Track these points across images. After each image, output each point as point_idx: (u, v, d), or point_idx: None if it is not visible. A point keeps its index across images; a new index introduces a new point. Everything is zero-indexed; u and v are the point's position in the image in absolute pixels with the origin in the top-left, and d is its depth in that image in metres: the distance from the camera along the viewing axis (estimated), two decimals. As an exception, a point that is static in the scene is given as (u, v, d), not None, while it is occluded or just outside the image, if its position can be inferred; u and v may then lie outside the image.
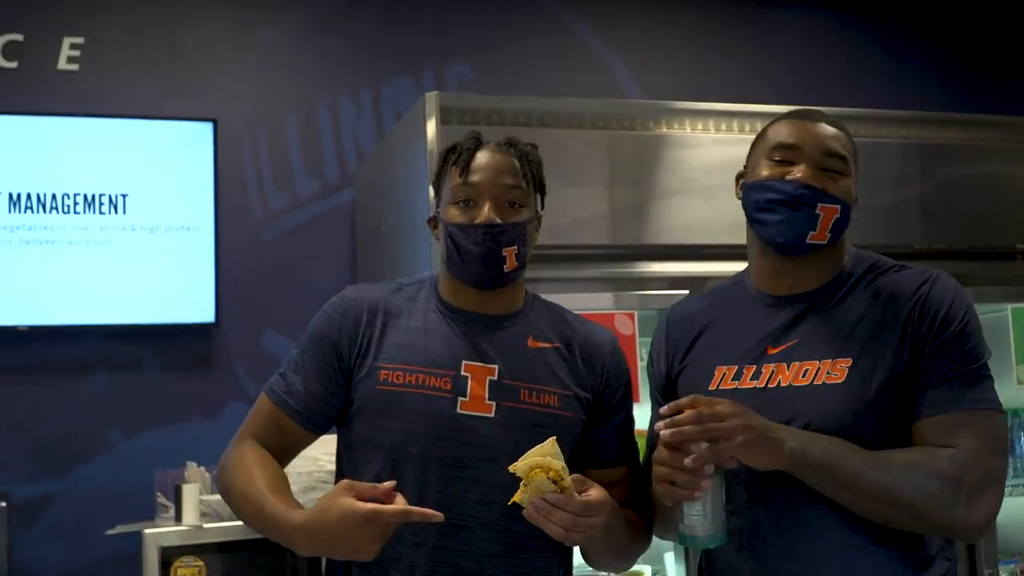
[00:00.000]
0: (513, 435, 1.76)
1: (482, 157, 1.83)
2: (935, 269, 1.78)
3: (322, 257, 3.85)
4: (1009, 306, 3.42)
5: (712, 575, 1.84)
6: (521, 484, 1.55)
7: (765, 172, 1.78)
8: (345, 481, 1.64)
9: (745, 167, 1.86)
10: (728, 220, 3.11)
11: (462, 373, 1.79)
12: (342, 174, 3.91)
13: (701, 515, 1.60)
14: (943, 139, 3.56)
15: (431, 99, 2.92)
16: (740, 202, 1.84)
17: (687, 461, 1.55)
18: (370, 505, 1.58)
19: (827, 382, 1.68)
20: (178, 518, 3.04)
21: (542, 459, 1.53)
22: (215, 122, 3.63)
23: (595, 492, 1.62)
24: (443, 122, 2.89)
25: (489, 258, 1.80)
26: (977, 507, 1.60)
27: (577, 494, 1.58)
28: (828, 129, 1.78)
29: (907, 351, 1.67)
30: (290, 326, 3.74)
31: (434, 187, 1.92)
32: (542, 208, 1.93)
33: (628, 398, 1.93)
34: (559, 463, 1.53)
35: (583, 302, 2.86)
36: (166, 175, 3.58)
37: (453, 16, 4.12)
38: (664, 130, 3.17)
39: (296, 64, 3.92)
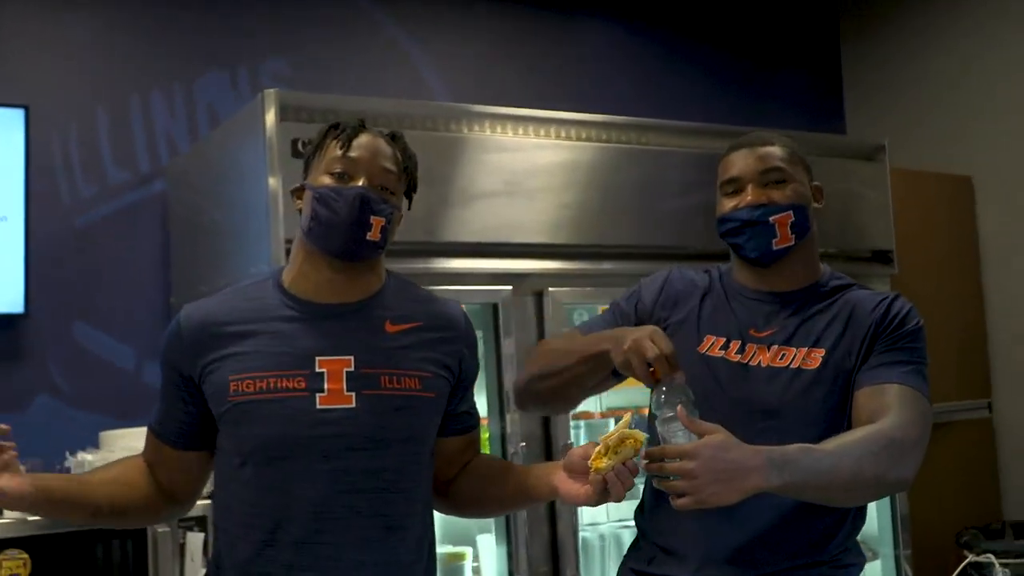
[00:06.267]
0: (376, 421, 1.79)
1: (365, 138, 1.86)
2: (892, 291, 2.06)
3: (134, 247, 3.82)
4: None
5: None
6: (602, 452, 1.71)
7: (723, 207, 2.04)
8: None
9: None
10: (546, 220, 3.36)
11: (317, 369, 1.80)
12: (153, 165, 3.88)
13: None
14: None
15: (270, 96, 2.97)
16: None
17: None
18: None
19: (803, 367, 1.94)
20: (-5, 511, 2.98)
21: (630, 431, 1.71)
22: (27, 108, 3.53)
23: None
24: (281, 119, 2.95)
25: (355, 222, 1.80)
26: (907, 463, 1.83)
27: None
28: (760, 149, 2.03)
29: (866, 346, 1.94)
30: (102, 317, 3.71)
31: (305, 162, 1.92)
32: (409, 207, 1.97)
33: (477, 366, 2.00)
34: (644, 435, 1.71)
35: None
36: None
37: (266, 11, 4.15)
38: (488, 133, 3.34)
39: (108, 55, 3.86)
